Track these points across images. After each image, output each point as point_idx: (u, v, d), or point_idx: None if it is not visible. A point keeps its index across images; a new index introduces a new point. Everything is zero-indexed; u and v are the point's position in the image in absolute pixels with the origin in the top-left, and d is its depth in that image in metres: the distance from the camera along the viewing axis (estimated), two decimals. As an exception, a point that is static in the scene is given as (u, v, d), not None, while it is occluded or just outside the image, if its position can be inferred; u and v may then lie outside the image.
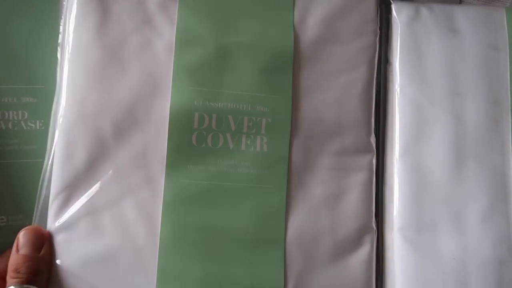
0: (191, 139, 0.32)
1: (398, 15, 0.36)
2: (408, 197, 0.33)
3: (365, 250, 0.33)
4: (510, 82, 0.35)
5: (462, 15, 0.36)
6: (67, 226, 0.31)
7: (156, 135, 0.32)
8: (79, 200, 0.31)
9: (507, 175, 0.34)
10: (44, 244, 0.30)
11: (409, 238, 0.33)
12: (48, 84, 0.35)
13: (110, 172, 0.31)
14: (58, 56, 0.34)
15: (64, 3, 0.34)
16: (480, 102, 0.35)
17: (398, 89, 0.35)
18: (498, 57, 0.35)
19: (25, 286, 0.28)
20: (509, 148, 0.34)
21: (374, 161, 0.35)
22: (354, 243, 0.33)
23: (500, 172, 0.34)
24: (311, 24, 0.35)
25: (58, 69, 0.34)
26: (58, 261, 0.30)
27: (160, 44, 0.33)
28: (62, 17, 0.34)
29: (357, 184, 0.34)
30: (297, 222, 0.33)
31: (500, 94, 0.35)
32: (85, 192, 0.31)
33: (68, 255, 0.30)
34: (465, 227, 0.33)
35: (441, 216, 0.33)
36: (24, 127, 0.35)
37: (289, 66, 0.34)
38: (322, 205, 0.33)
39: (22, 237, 0.30)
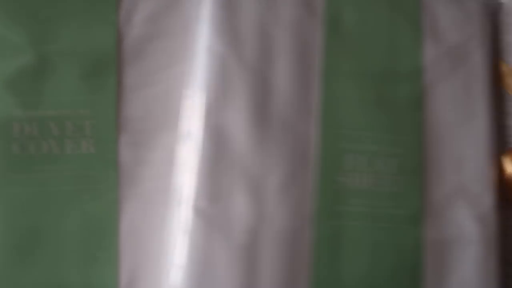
0: (11, 148, 0.32)
1: None
2: (207, 164, 0.31)
3: None
4: (323, 48, 0.34)
5: None
6: None
7: None
8: None
9: (310, 142, 0.33)
10: None
11: (201, 209, 0.31)
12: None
13: None
14: None
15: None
16: (291, 66, 0.33)
17: (207, 46, 0.33)
18: (312, 21, 0.35)
19: None
20: (316, 115, 0.33)
21: None
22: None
23: (304, 139, 0.33)
24: (137, 22, 0.35)
25: None
26: None
27: None
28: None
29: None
30: (130, 219, 0.33)
31: (313, 59, 0.34)
32: None
33: None
34: (262, 197, 0.31)
35: (238, 184, 0.31)
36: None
37: (111, 66, 0.34)
38: (156, 199, 0.33)
39: None
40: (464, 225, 0.34)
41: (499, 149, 0.37)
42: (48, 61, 0.33)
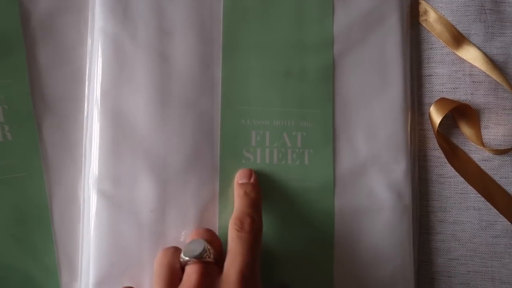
0: None
1: None
2: (106, 147, 0.32)
3: None
4: (223, 22, 0.34)
5: None
6: None
7: None
8: None
9: (214, 119, 0.33)
10: None
11: (105, 192, 0.31)
12: None
13: None
14: None
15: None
16: (190, 42, 0.33)
17: (100, 27, 0.33)
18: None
19: None
20: (219, 91, 0.33)
21: None
22: None
23: (208, 116, 0.33)
24: None
25: None
26: None
27: None
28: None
29: None
30: (60, 202, 0.32)
31: (212, 34, 0.33)
32: None
33: None
34: (166, 177, 0.32)
35: (141, 166, 0.32)
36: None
37: (19, 46, 0.32)
38: (80, 183, 0.33)
39: None
40: (376, 193, 0.35)
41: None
42: None
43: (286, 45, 0.34)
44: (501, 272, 0.35)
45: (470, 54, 0.36)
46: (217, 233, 0.32)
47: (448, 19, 0.37)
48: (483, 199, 0.36)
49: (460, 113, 0.36)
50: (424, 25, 0.37)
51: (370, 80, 0.35)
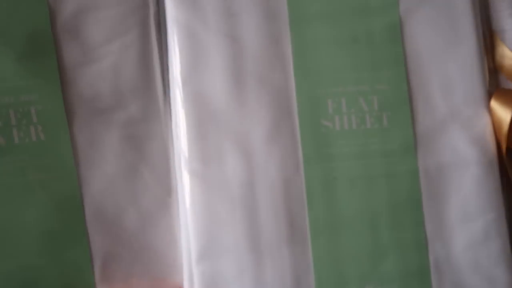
0: None
1: None
2: (193, 130, 0.33)
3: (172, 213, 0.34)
4: None
5: None
6: None
7: None
8: None
9: (290, 92, 0.34)
10: None
11: (196, 172, 0.33)
12: None
13: None
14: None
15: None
16: (257, 20, 0.34)
17: (172, 16, 0.34)
18: None
19: None
20: (290, 64, 0.34)
21: (170, 126, 0.34)
22: (161, 208, 0.34)
23: (283, 90, 0.33)
24: None
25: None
26: None
27: None
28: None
29: (154, 151, 0.34)
30: (94, 203, 0.33)
31: (278, 9, 0.34)
32: None
33: None
34: (251, 151, 0.33)
35: (226, 143, 0.33)
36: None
37: (50, 46, 0.32)
38: (118, 179, 0.33)
39: None
40: (460, 149, 0.34)
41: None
42: None
43: (351, 10, 0.34)
44: None
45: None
46: (304, 196, 0.33)
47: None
48: None
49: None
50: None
51: (441, 36, 0.35)
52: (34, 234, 0.32)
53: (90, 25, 0.33)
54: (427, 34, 0.35)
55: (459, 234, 0.34)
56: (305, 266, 0.33)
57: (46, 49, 0.32)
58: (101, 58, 0.33)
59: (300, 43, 0.34)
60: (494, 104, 0.35)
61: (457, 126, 0.34)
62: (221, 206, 0.33)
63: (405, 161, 0.34)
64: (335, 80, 0.34)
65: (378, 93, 0.34)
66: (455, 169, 0.34)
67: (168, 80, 0.35)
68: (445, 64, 0.35)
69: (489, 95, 0.35)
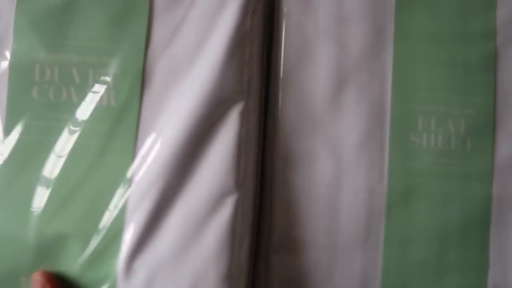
0: (31, 92, 0.31)
1: None
2: (289, 125, 0.34)
3: (225, 213, 0.32)
4: (394, 12, 0.36)
5: None
6: None
7: None
8: None
9: (385, 104, 0.35)
10: None
11: (288, 167, 0.34)
12: None
13: None
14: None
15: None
16: (365, 30, 0.35)
17: (285, 11, 0.35)
18: None
19: None
20: (389, 77, 0.35)
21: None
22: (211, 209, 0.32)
23: (379, 101, 0.35)
24: None
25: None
26: None
27: None
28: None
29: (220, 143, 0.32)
30: (141, 182, 0.31)
31: (384, 23, 0.35)
32: None
33: None
34: (341, 155, 0.34)
35: (318, 143, 0.34)
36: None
37: (143, 15, 0.32)
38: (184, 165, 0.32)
39: None
40: None
41: None
42: (77, 2, 0.32)
43: (452, 35, 0.36)
44: None
45: None
46: (384, 206, 0.34)
47: None
48: None
49: None
50: None
51: None
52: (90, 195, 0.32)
53: (182, 4, 0.33)
54: (520, 68, 0.36)
55: None
56: (373, 272, 0.34)
57: (139, 18, 0.32)
58: (190, 33, 0.32)
59: (401, 58, 0.35)
60: None
61: None
62: (305, 203, 0.34)
63: (482, 186, 0.35)
64: (428, 98, 0.35)
65: (466, 117, 0.35)
66: None
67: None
68: None
69: None
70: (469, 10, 0.36)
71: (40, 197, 0.31)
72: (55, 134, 0.31)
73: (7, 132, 0.31)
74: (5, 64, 0.32)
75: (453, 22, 0.36)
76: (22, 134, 0.31)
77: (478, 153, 0.35)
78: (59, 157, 0.31)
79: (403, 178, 0.35)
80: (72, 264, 0.31)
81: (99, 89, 0.32)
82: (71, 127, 0.31)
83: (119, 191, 0.31)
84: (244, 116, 0.32)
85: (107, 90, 0.31)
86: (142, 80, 0.32)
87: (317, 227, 0.34)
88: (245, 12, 0.33)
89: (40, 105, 0.31)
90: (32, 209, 0.31)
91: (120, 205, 0.31)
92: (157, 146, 0.31)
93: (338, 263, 0.34)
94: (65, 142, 0.31)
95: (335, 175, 0.34)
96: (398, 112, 0.35)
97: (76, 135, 0.31)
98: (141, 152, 0.32)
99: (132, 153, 0.31)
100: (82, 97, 0.32)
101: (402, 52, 0.35)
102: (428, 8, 0.36)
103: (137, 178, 0.31)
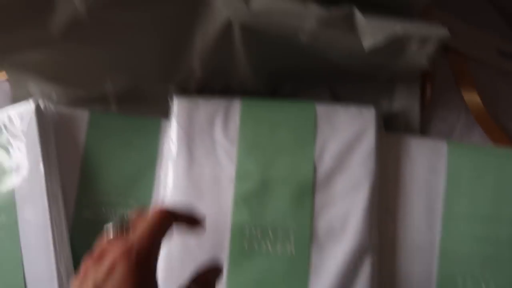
0: (243, 244, 0.46)
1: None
2: None
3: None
4: (443, 197, 0.47)
5: (416, 147, 0.48)
6: None
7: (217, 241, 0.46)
8: None
9: (432, 272, 0.47)
10: None
11: None
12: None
13: None
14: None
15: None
16: (420, 209, 0.48)
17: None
18: (437, 176, 0.48)
19: None
20: (436, 249, 0.47)
21: None
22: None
23: (427, 267, 0.47)
24: (327, 158, 0.47)
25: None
26: None
27: (225, 178, 0.47)
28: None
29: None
30: None
31: (435, 203, 0.47)
32: None
33: None
34: None
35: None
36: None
37: (309, 192, 0.46)
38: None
39: None
40: None
41: None
42: (268, 185, 0.47)
43: (486, 215, 0.47)
44: None
45: None
46: None
47: None
48: None
49: None
50: None
51: None
52: None
53: (337, 180, 0.47)
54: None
55: None
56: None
57: (306, 194, 0.46)
58: (337, 205, 0.47)
59: (447, 235, 0.48)
60: None
61: None
62: None
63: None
64: (468, 265, 0.47)
65: (496, 281, 0.47)
66: None
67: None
68: None
69: None
70: (501, 198, 0.47)
71: None
72: (255, 274, 0.46)
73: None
74: (227, 225, 0.48)
75: (488, 207, 0.46)
76: (234, 274, 0.46)
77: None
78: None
79: None
80: None
81: (285, 243, 0.47)
82: (265, 270, 0.47)
83: None
84: None
85: (289, 244, 0.46)
86: (310, 236, 0.46)
87: None
88: None
89: (247, 252, 0.47)
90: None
91: None
92: None
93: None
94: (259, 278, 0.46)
95: None
96: (444, 277, 0.47)
97: (267, 275, 0.47)
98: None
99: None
100: (274, 248, 0.46)
101: (448, 230, 0.47)
102: (471, 194, 0.47)
103: None
